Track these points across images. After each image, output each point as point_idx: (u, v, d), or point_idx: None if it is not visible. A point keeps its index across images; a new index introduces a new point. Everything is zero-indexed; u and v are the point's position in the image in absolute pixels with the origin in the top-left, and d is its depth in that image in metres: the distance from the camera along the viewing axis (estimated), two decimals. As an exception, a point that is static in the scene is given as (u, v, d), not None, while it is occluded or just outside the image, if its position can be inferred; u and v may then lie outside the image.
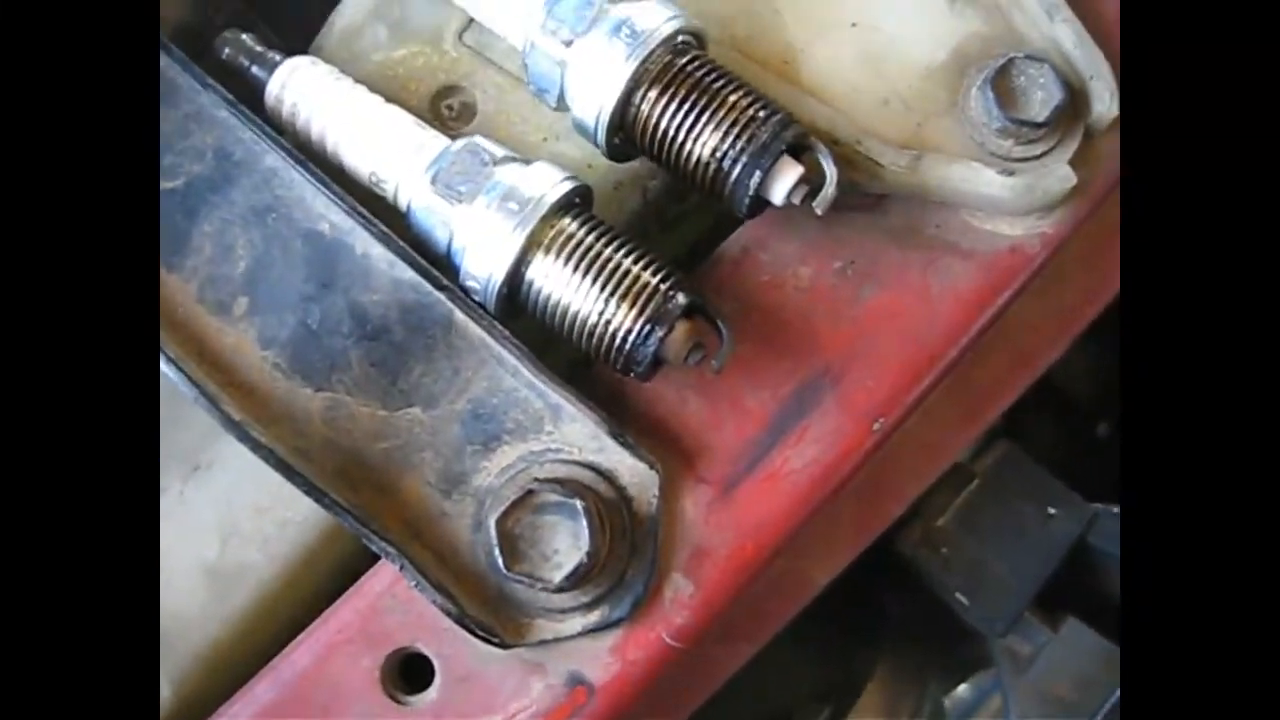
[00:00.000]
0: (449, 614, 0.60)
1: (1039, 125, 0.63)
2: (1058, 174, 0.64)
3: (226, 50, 0.66)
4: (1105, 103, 0.65)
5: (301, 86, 0.64)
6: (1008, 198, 0.64)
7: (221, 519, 0.68)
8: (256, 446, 0.60)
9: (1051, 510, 0.80)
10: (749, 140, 0.59)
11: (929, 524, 0.80)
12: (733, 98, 0.59)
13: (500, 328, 0.62)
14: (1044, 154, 0.65)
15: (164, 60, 0.65)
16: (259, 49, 0.66)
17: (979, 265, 0.66)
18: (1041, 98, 0.63)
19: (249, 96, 0.66)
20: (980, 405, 0.77)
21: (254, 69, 0.66)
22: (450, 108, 0.68)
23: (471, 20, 0.68)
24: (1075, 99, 0.65)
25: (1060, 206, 0.66)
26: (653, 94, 0.60)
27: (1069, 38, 0.65)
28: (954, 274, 0.66)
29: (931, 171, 0.64)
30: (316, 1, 0.70)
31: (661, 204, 0.70)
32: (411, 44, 0.69)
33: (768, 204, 0.61)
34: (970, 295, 0.66)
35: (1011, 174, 0.64)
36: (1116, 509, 0.80)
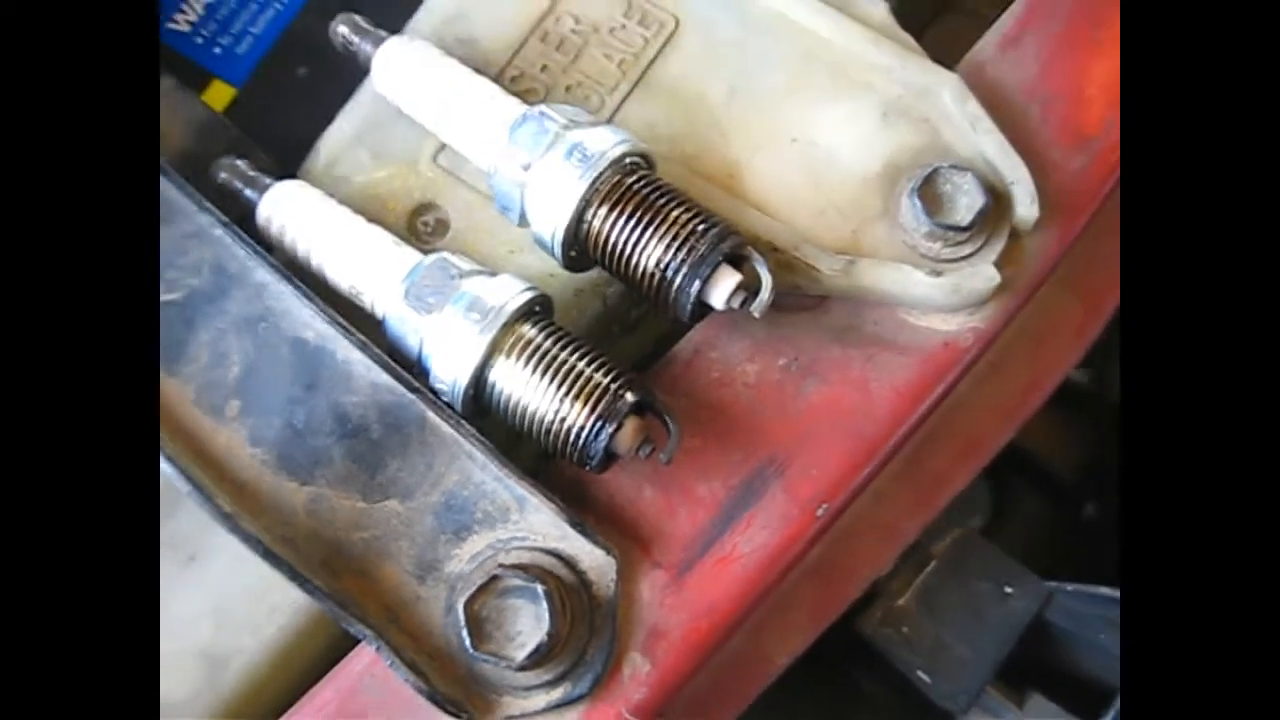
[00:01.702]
0: (421, 691, 0.65)
1: (963, 229, 0.68)
2: (983, 274, 0.69)
3: (222, 175, 0.73)
4: (1026, 205, 0.70)
5: (289, 208, 0.71)
6: (937, 297, 0.69)
7: (215, 605, 0.72)
8: (246, 537, 0.66)
9: (1008, 589, 0.84)
10: (689, 252, 0.64)
11: (890, 604, 0.83)
12: (675, 213, 0.65)
13: (468, 426, 0.67)
14: (971, 254, 0.70)
15: (165, 183, 0.72)
16: (251, 173, 0.73)
17: (914, 360, 0.71)
18: (965, 203, 0.69)
19: (242, 217, 0.72)
20: (932, 491, 0.81)
21: (247, 192, 0.72)
22: (426, 224, 0.75)
23: (445, 144, 0.75)
24: (999, 203, 0.70)
25: (990, 302, 0.71)
26: (602, 211, 0.65)
27: (991, 147, 0.71)
28: (891, 368, 0.71)
29: (865, 274, 0.69)
30: (306, 125, 0.77)
31: (622, 308, 0.76)
32: (390, 166, 0.75)
33: (711, 309, 0.67)
34: (906, 388, 0.71)
35: (939, 274, 0.69)
36: (1071, 586, 0.83)
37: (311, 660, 0.72)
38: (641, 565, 0.68)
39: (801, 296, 0.72)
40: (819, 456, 0.69)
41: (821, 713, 0.90)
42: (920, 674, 0.82)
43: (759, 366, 0.71)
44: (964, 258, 0.70)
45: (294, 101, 0.83)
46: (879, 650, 0.83)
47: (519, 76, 0.76)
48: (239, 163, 0.73)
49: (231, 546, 0.72)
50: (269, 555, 0.66)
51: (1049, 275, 0.73)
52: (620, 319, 0.76)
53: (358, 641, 0.69)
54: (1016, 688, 0.87)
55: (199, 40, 0.86)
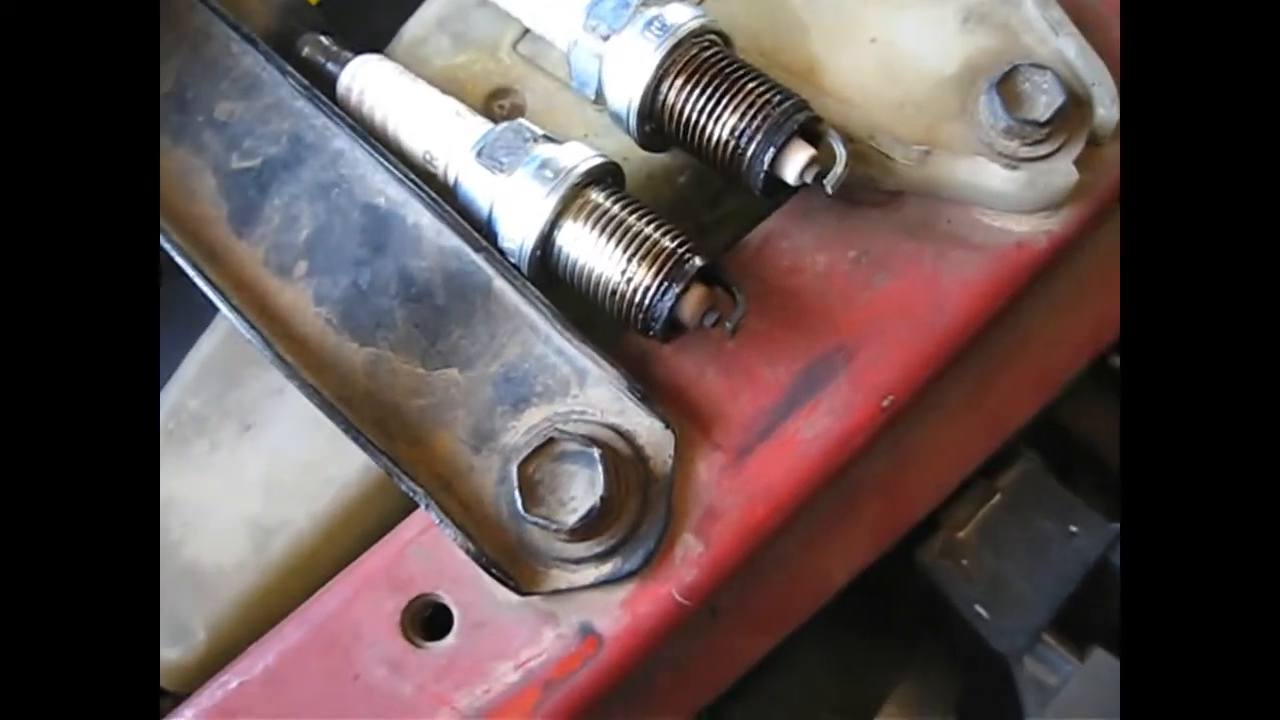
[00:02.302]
0: (469, 552, 0.64)
1: (1042, 125, 0.67)
2: (1060, 170, 0.68)
3: (306, 49, 0.74)
4: (1107, 107, 0.69)
5: (368, 78, 0.72)
6: (1012, 192, 0.68)
7: (267, 475, 0.72)
8: (303, 385, 0.65)
9: (1073, 529, 0.81)
10: (763, 120, 0.64)
11: (950, 535, 0.81)
12: (750, 85, 0.65)
13: (534, 291, 0.66)
14: (1049, 155, 0.69)
15: (251, 57, 0.73)
16: (334, 48, 0.74)
17: (987, 258, 0.70)
18: (1045, 100, 0.68)
19: (325, 90, 0.73)
20: (1000, 415, 0.79)
21: (329, 65, 0.73)
22: (502, 107, 0.75)
23: (526, 32, 0.76)
24: (1079, 105, 0.69)
25: (1066, 206, 0.70)
26: (678, 82, 0.65)
27: (1072, 49, 0.70)
28: (963, 265, 0.69)
29: (940, 166, 0.68)
30: (389, 16, 0.78)
31: (696, 199, 0.75)
32: (470, 51, 0.76)
33: (785, 186, 0.66)
34: (977, 285, 0.69)
35: (1015, 169, 0.68)
36: (1140, 530, 0.80)
37: (360, 536, 0.71)
38: (700, 446, 0.67)
39: (875, 191, 0.71)
40: (886, 347, 0.68)
41: (874, 656, 0.87)
42: (978, 608, 0.79)
43: (829, 257, 0.70)
44: (1041, 157, 0.69)
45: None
46: (937, 582, 0.80)
47: (602, -28, 0.77)
48: (322, 38, 0.75)
49: (288, 418, 0.73)
50: (325, 405, 0.65)
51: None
52: (692, 216, 0.75)
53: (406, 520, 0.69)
54: (1078, 641, 0.83)
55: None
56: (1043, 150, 0.69)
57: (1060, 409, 0.84)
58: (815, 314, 0.69)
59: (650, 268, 0.63)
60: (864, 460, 0.71)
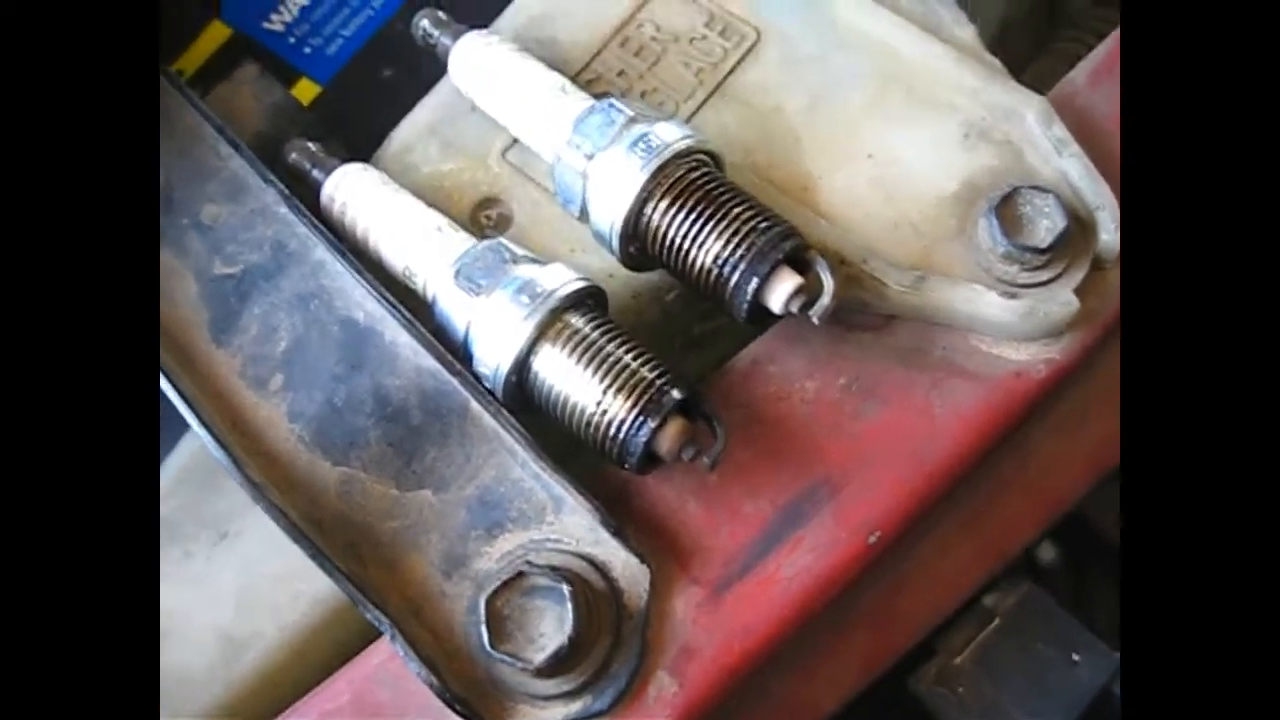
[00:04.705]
0: (431, 687, 0.62)
1: (1042, 251, 0.65)
2: (1060, 299, 0.65)
3: (293, 155, 0.73)
4: (1111, 233, 0.66)
5: (351, 189, 0.71)
6: (1010, 321, 0.65)
7: (240, 586, 0.71)
8: (271, 508, 0.64)
9: (1076, 657, 0.77)
10: (748, 248, 0.62)
11: (945, 662, 0.78)
12: (736, 209, 0.63)
13: (509, 418, 0.65)
14: (1049, 281, 0.66)
15: (237, 161, 0.72)
16: (320, 154, 0.73)
17: (983, 388, 0.67)
18: (1046, 225, 0.65)
19: (310, 197, 0.72)
20: (998, 541, 0.76)
21: (314, 172, 0.72)
22: (489, 218, 0.74)
23: (515, 141, 0.74)
24: (1082, 229, 0.66)
25: (1067, 334, 0.67)
26: (663, 204, 0.64)
27: (1076, 170, 0.67)
28: (958, 395, 0.67)
29: (936, 292, 0.66)
30: (387, 114, 0.78)
31: (684, 319, 0.73)
32: (459, 159, 0.75)
33: (770, 314, 0.64)
34: (973, 416, 0.67)
35: (1014, 298, 0.65)
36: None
37: (329, 653, 0.69)
38: (678, 580, 0.65)
39: (867, 315, 0.69)
40: (875, 481, 0.66)
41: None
42: (974, 740, 0.76)
43: (818, 384, 0.68)
44: (1042, 284, 0.66)
45: (378, 101, 0.84)
46: (931, 711, 0.77)
47: (595, 80, 0.75)
48: (310, 145, 0.74)
49: (263, 530, 0.71)
50: (293, 530, 0.64)
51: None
52: (682, 331, 0.74)
53: (377, 637, 0.67)
54: (1079, 777, 0.80)
55: (291, 40, 0.88)
56: (1043, 276, 0.66)
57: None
58: (801, 445, 0.67)
59: (627, 400, 0.61)
60: (854, 588, 0.69)
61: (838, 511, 0.65)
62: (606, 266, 0.69)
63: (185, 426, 0.75)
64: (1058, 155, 0.68)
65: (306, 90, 0.87)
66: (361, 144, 0.79)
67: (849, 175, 0.70)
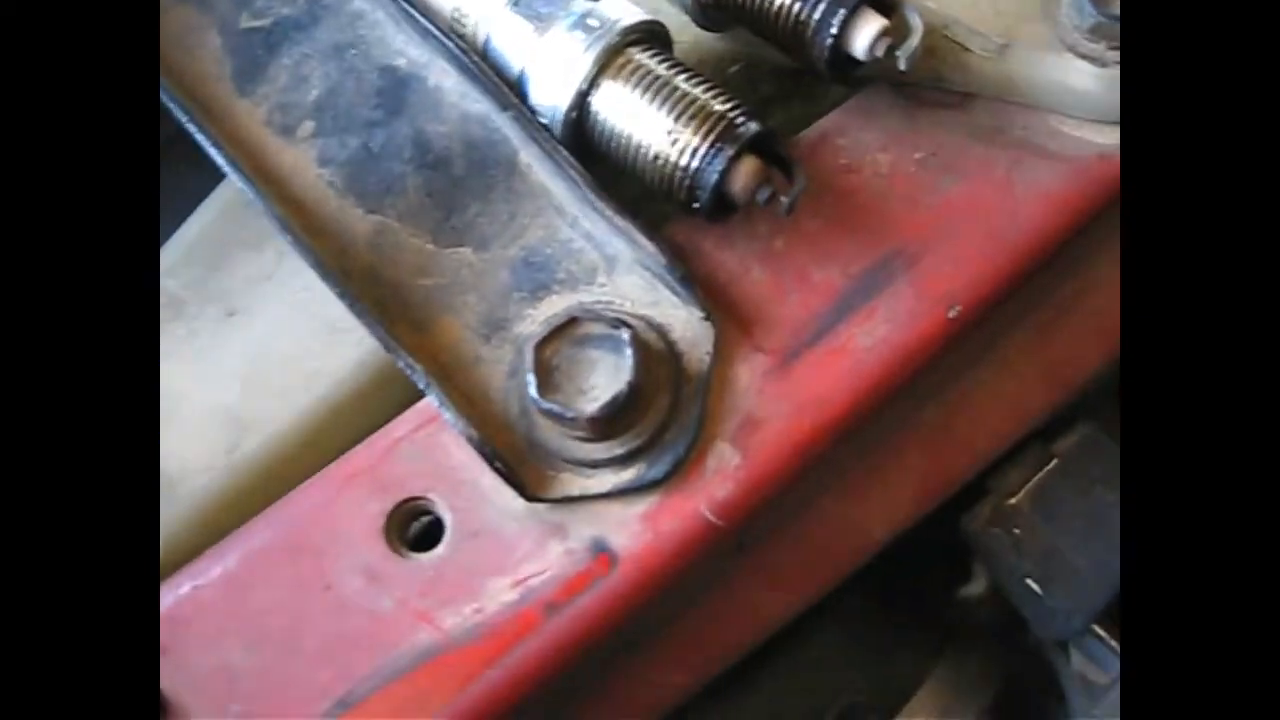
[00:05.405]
0: (472, 442, 0.56)
1: (1135, 21, 0.61)
2: (1155, 71, 0.62)
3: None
4: (1205, 9, 0.63)
5: (395, -67, 0.66)
6: (1098, 92, 0.62)
7: (248, 365, 0.64)
8: (298, 244, 0.58)
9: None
10: (832, -17, 0.58)
11: (1000, 502, 0.72)
12: (820, -52, 0.59)
13: (565, 155, 0.59)
14: (1140, 58, 0.62)
15: (268, -90, 0.67)
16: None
17: (1066, 168, 0.63)
18: (1138, -4, 0.62)
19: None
20: (1061, 368, 0.71)
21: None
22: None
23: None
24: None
25: (1154, 118, 0.63)
26: (742, -59, 0.60)
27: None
28: (1039, 174, 0.63)
29: (1020, 61, 0.62)
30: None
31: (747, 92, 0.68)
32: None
33: (852, 63, 0.60)
34: (1055, 197, 0.62)
35: (1105, 67, 0.62)
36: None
37: (345, 441, 0.62)
38: (742, 346, 0.59)
39: (943, 92, 0.64)
40: (955, 254, 0.61)
41: (906, 644, 0.78)
42: (1030, 582, 0.71)
43: (893, 156, 0.63)
44: (1131, 61, 0.62)
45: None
46: (984, 552, 0.72)
47: None
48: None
49: (276, 305, 0.66)
50: (320, 269, 0.58)
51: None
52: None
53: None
54: (1132, 637, 0.74)
55: None
56: (1132, 54, 0.62)
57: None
58: (875, 215, 0.62)
59: (699, 130, 0.56)
60: (912, 400, 0.64)
61: (916, 281, 0.60)
62: (674, 28, 0.64)
63: (191, 206, 0.69)
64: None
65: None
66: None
67: (923, -49, 0.66)
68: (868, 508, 0.68)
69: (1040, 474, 0.73)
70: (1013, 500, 0.72)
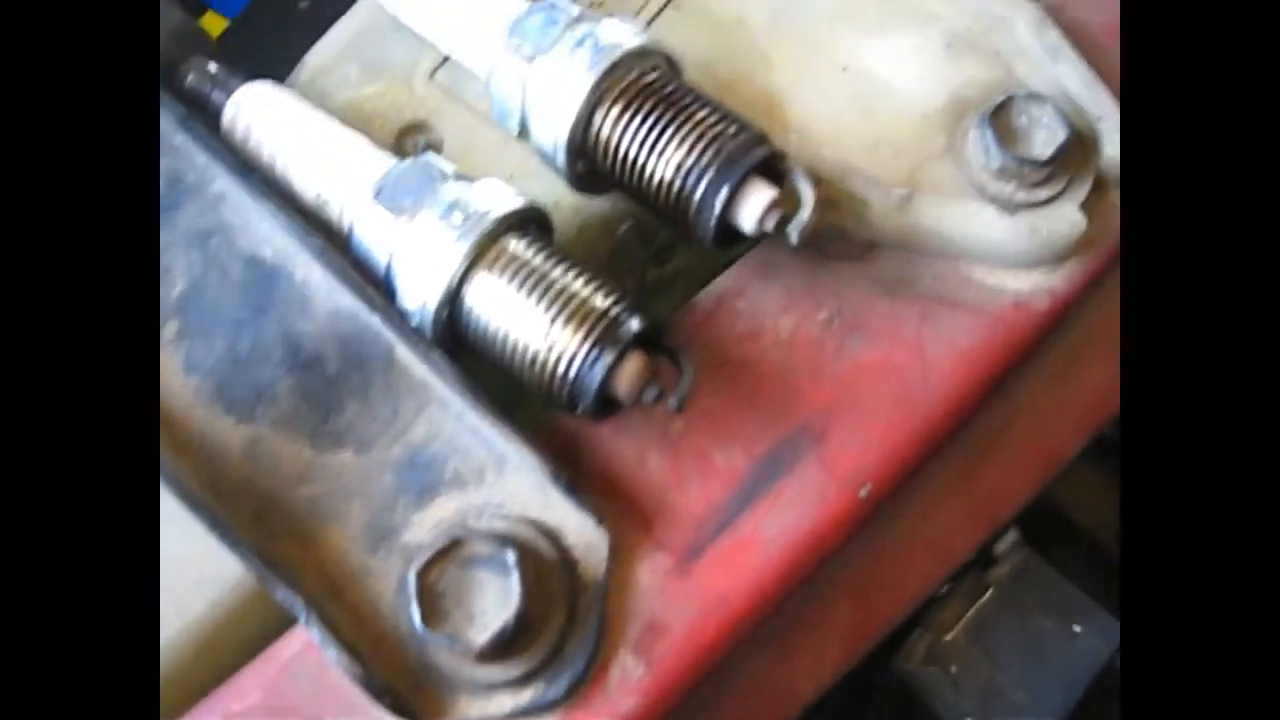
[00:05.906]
0: (354, 677, 0.53)
1: (1042, 164, 0.58)
2: (1066, 217, 0.58)
3: (191, 76, 0.64)
4: (1114, 146, 0.59)
5: (256, 108, 0.62)
6: (1009, 241, 0.58)
7: (132, 572, 0.61)
8: (164, 475, 0.54)
9: (1077, 627, 0.70)
10: (715, 155, 0.54)
11: (936, 638, 0.70)
12: (700, 114, 0.55)
13: (441, 359, 0.56)
14: (1049, 200, 0.59)
15: (122, 84, 0.63)
16: (222, 75, 0.63)
17: (980, 320, 0.60)
18: (1045, 136, 0.58)
19: (209, 123, 0.63)
20: (989, 503, 0.68)
21: (214, 94, 0.63)
22: (415, 145, 0.65)
23: (445, 59, 0.66)
24: (1082, 142, 0.59)
25: (1069, 260, 0.60)
26: (615, 109, 0.55)
27: (1074, 79, 0.60)
28: (952, 329, 0.59)
29: (924, 212, 0.59)
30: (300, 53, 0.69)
31: (638, 260, 0.65)
32: (381, 82, 0.66)
33: (741, 236, 0.56)
34: (969, 353, 0.59)
35: (1014, 215, 0.58)
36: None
37: (239, 650, 0.60)
38: (641, 546, 0.56)
39: (845, 244, 0.61)
40: (863, 426, 0.58)
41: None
42: (970, 722, 0.69)
43: (795, 319, 0.60)
44: (1040, 202, 0.59)
45: (292, 33, 0.75)
46: (920, 692, 0.70)
47: (534, -8, 0.67)
48: (209, 65, 0.64)
49: (165, 504, 0.62)
50: (188, 498, 0.54)
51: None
52: (636, 272, 0.65)
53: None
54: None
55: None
56: (1043, 194, 0.59)
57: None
58: (779, 387, 0.59)
59: (578, 331, 0.53)
60: (836, 558, 0.61)
61: (823, 459, 0.57)
62: (550, 195, 0.61)
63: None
64: (1052, 64, 0.61)
65: (214, 24, 0.78)
66: (274, 77, 0.70)
67: (821, 90, 0.63)
68: (794, 665, 0.65)
69: (975, 606, 0.71)
70: (948, 636, 0.70)
